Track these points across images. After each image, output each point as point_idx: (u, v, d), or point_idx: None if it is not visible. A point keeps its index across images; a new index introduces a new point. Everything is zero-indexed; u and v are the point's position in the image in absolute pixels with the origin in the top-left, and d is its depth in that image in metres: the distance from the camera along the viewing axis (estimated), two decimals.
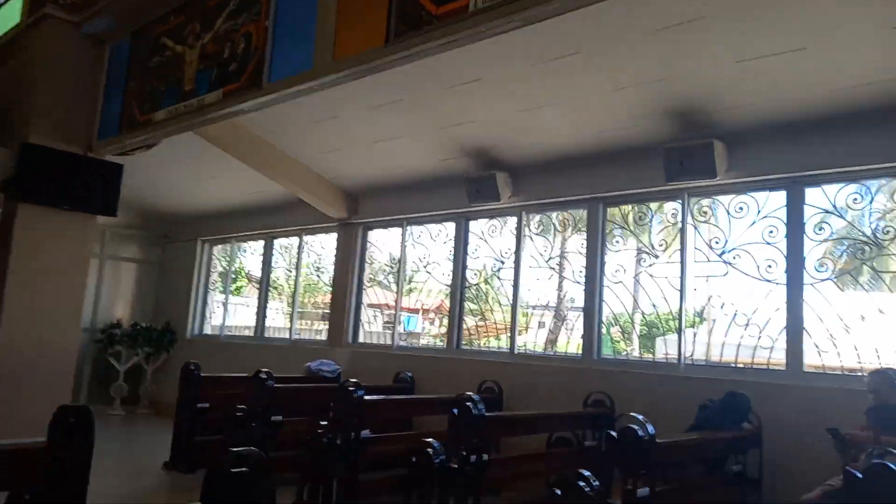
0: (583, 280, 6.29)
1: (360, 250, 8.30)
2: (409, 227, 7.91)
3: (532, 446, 5.49)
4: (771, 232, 5.28)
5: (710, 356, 5.71)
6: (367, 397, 5.07)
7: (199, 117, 4.86)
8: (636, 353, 6.68)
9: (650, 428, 3.65)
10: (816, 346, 5.02)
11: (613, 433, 3.72)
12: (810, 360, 5.00)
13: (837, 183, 5.05)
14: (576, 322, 6.45)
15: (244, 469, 2.10)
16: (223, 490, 2.08)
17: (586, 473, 3.84)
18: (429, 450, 4.45)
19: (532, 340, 6.92)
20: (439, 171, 7.10)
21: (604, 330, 6.28)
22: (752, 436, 4.80)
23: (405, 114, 6.30)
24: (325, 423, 5.14)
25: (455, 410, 4.37)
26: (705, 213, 5.68)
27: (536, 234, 6.85)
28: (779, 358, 5.15)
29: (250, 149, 7.33)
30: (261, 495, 2.08)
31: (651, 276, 5.93)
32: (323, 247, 9.03)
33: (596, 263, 6.19)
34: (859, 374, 4.79)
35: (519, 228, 6.85)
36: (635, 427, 3.65)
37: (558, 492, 3.89)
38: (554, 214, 6.78)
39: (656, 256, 5.91)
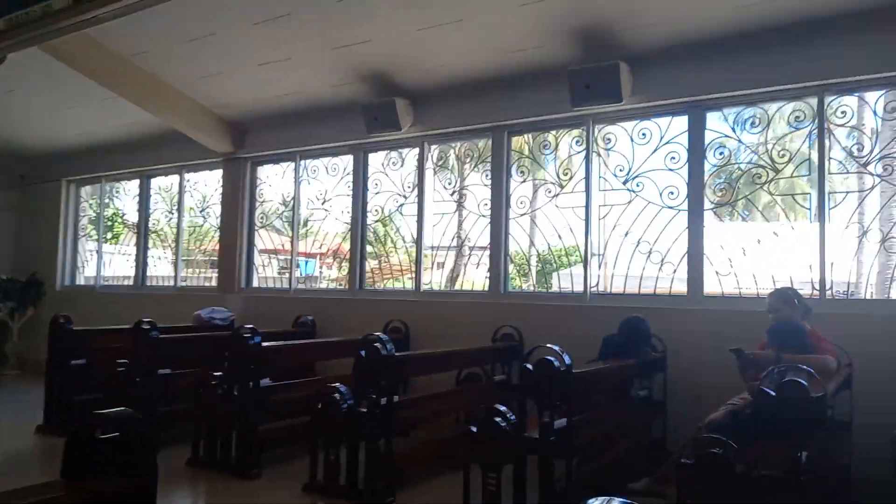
0: (488, 214, 6.10)
1: (250, 188, 7.68)
2: (302, 162, 7.37)
3: (442, 384, 5.36)
4: (673, 158, 5.26)
5: (614, 286, 5.74)
6: (264, 344, 4.68)
7: (46, 28, 4.11)
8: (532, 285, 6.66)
9: (567, 358, 3.54)
10: (717, 273, 5.12)
11: (528, 366, 3.59)
12: (710, 286, 5.10)
13: (737, 107, 5.07)
14: (481, 258, 6.30)
15: (115, 434, 1.73)
16: (90, 459, 1.70)
17: (502, 408, 3.73)
18: (335, 395, 4.19)
19: (434, 280, 6.70)
20: (334, 97, 6.58)
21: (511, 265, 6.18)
22: (657, 361, 4.88)
23: (293, 31, 5.69)
24: (219, 373, 4.72)
25: (362, 352, 4.10)
26: (609, 140, 5.58)
27: (438, 168, 6.56)
28: (681, 287, 5.22)
29: (116, 72, 6.44)
30: (135, 462, 1.73)
31: (557, 206, 5.82)
32: (207, 185, 8.29)
33: (501, 195, 6.00)
34: (757, 296, 4.94)
35: (421, 160, 6.52)
36: (551, 358, 3.53)
37: (474, 428, 3.77)
38: (455, 146, 6.49)
39: (561, 186, 5.79)
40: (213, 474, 4.56)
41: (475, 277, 6.45)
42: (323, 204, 7.28)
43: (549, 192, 5.86)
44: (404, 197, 6.71)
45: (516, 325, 5.66)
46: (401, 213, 6.77)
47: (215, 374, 4.72)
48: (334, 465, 4.13)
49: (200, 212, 8.40)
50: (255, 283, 7.67)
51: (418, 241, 6.51)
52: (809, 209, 4.75)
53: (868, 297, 4.66)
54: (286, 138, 7.19)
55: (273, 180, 7.73)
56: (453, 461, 4.19)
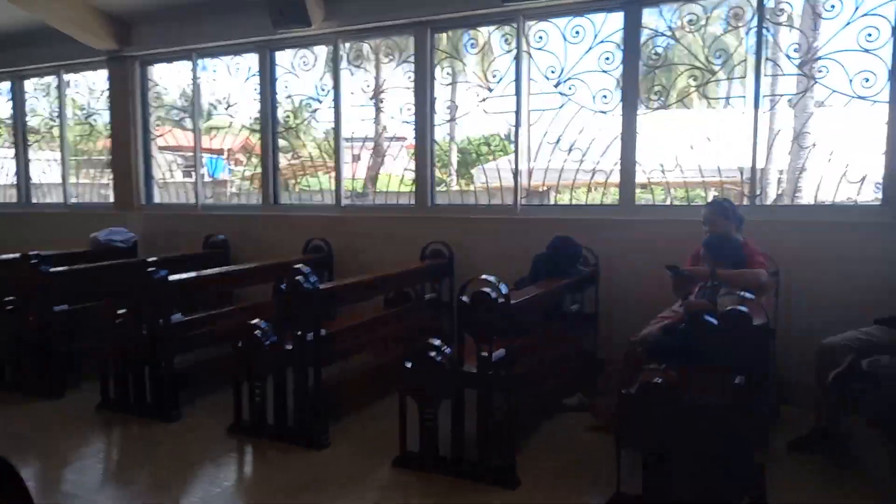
0: (411, 120, 5.66)
1: (141, 90, 6.84)
2: (200, 61, 6.57)
3: (370, 306, 5.11)
4: (607, 59, 4.95)
5: (546, 199, 5.56)
6: (171, 277, 4.25)
7: None
8: (454, 185, 6.43)
9: (503, 287, 3.34)
10: (649, 180, 5.00)
11: (465, 298, 3.38)
12: (643, 194, 4.99)
13: (672, 2, 4.75)
14: (397, 155, 5.94)
15: None
16: None
17: (436, 342, 3.55)
18: (256, 332, 3.88)
19: (349, 177, 6.28)
20: None
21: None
22: (589, 275, 4.80)
23: None
24: (122, 310, 4.29)
25: (283, 286, 3.76)
26: (541, 38, 5.17)
27: (355, 67, 5.98)
28: (613, 195, 5.09)
29: None
30: None
31: (485, 111, 5.45)
32: (92, 88, 7.33)
33: (425, 100, 5.55)
34: (688, 205, 4.87)
35: (335, 59, 5.91)
36: (487, 290, 3.32)
37: (409, 364, 3.59)
38: (375, 43, 5.90)
39: (489, 90, 5.40)
40: (127, 418, 4.24)
41: (396, 172, 6.10)
42: (227, 109, 6.59)
43: (478, 95, 5.46)
44: (318, 101, 6.14)
45: (445, 238, 5.43)
46: (315, 119, 6.22)
47: (119, 310, 4.28)
48: (261, 405, 3.90)
49: (87, 118, 7.48)
50: (158, 199, 7.02)
51: (336, 151, 6.02)
52: (743, 113, 4.60)
53: (792, 202, 4.69)
54: (179, 34, 6.34)
55: (167, 81, 6.90)
56: (389, 388, 4.04)
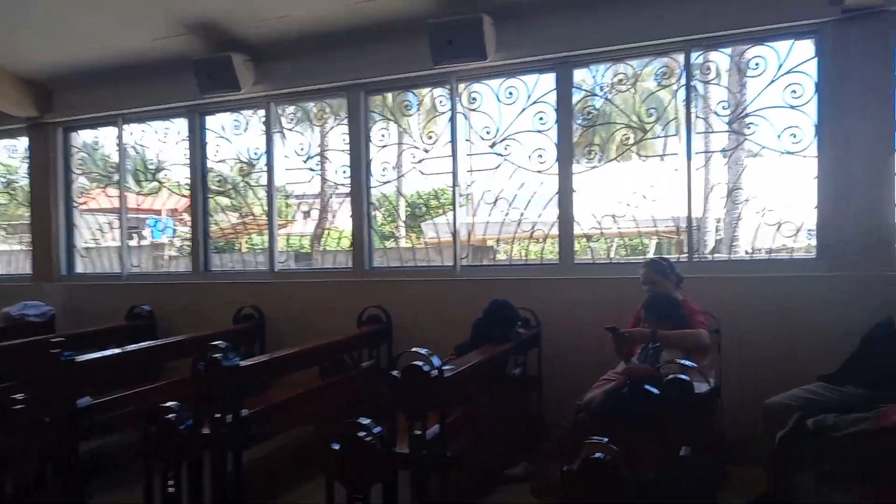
0: (347, 180, 5.51)
1: (64, 158, 6.53)
2: (126, 126, 6.33)
3: (303, 378, 4.81)
4: (541, 119, 4.93)
5: (485, 258, 5.45)
6: (79, 358, 3.90)
7: None
8: (402, 240, 6.29)
9: (436, 360, 3.13)
10: (586, 238, 4.93)
11: (396, 373, 3.15)
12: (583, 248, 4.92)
13: (605, 63, 4.79)
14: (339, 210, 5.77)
15: None
16: None
17: (366, 421, 3.29)
18: (170, 415, 3.54)
19: (299, 232, 6.07)
20: (157, 52, 5.60)
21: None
22: (531, 336, 4.64)
23: None
24: (21, 395, 3.88)
25: (200, 365, 3.46)
26: (475, 99, 5.14)
27: (289, 129, 5.84)
28: (552, 252, 4.99)
29: None
30: None
31: (421, 173, 5.35)
32: (12, 155, 6.99)
33: (360, 160, 5.42)
34: (627, 262, 4.81)
35: (268, 123, 5.76)
36: (420, 363, 3.11)
37: (336, 446, 3.31)
38: (310, 106, 5.79)
39: (426, 151, 5.31)
40: None
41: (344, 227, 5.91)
42: (156, 175, 6.34)
43: (414, 156, 5.36)
44: (251, 165, 5.96)
45: (383, 303, 5.21)
46: (249, 184, 6.02)
47: (16, 396, 3.87)
48: (175, 496, 3.51)
49: (6, 186, 7.10)
50: (80, 269, 6.62)
51: (269, 215, 5.81)
52: (677, 169, 4.61)
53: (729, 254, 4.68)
54: (104, 99, 6.11)
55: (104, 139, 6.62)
56: (319, 469, 3.72)
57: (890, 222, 4.00)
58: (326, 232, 6.48)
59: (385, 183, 5.45)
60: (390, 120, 5.52)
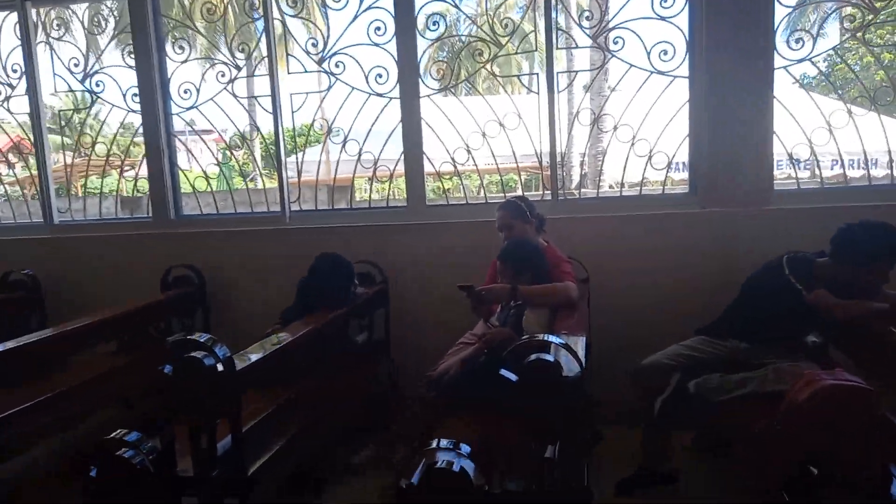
0: (138, 104, 4.34)
1: None
2: None
3: (96, 363, 3.76)
4: (378, 29, 4.02)
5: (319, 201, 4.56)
6: None
7: None
8: (259, 181, 5.26)
9: (220, 351, 2.27)
10: (438, 175, 4.18)
11: (167, 368, 2.27)
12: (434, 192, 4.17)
13: None
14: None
15: None
16: None
17: (132, 437, 2.41)
18: None
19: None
20: None
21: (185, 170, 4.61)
22: (377, 294, 3.90)
23: None
24: None
25: None
26: (295, 3, 4.12)
27: (57, 40, 4.49)
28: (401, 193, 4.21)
29: None
30: None
31: (234, 95, 4.29)
32: None
33: (152, 80, 4.26)
34: (485, 202, 4.13)
35: (25, 30, 4.39)
36: (200, 355, 2.24)
37: (94, 472, 2.42)
38: (79, 9, 4.47)
39: (237, 68, 4.24)
40: None
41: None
42: None
43: (223, 75, 4.27)
44: (10, 87, 4.57)
45: (195, 260, 4.23)
46: (6, 108, 4.64)
47: None
48: None
49: None
50: None
51: (40, 152, 4.52)
52: (537, 92, 3.93)
53: (597, 192, 4.14)
54: None
55: None
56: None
57: (768, 153, 3.58)
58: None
59: (189, 108, 4.33)
60: (190, 27, 4.36)
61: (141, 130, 4.39)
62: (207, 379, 2.23)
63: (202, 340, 2.26)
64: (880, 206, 3.39)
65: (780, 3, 3.56)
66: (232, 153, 4.78)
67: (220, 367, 2.25)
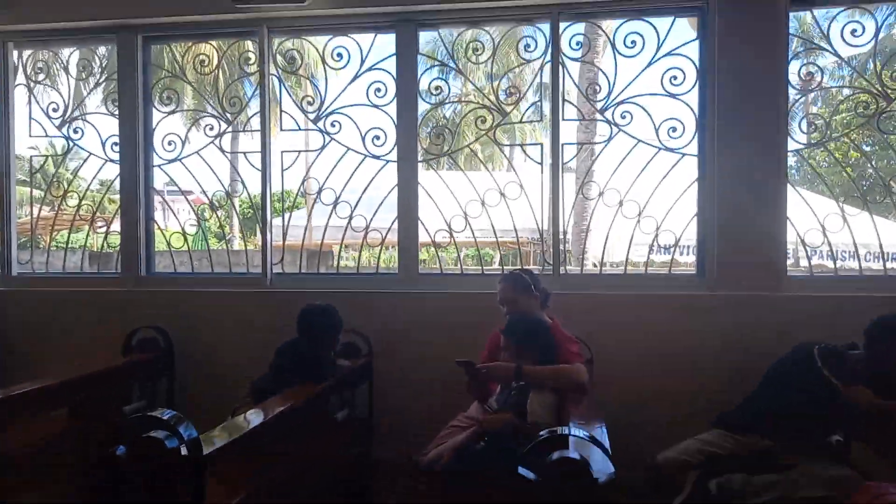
0: (117, 154, 4.10)
1: None
2: None
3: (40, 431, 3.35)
4: (378, 90, 3.88)
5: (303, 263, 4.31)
6: None
7: None
8: (236, 243, 4.98)
9: (185, 431, 1.94)
10: (434, 244, 3.96)
11: (121, 450, 1.93)
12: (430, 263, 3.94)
13: (456, 26, 3.88)
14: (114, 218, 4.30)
15: None
16: None
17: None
18: None
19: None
20: None
21: (163, 225, 4.33)
22: (361, 367, 3.58)
23: None
24: None
25: None
26: (293, 59, 3.99)
27: (36, 83, 4.28)
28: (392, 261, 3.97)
29: None
30: None
31: (222, 150, 4.08)
32: None
33: (135, 130, 4.04)
34: (481, 273, 3.90)
35: (3, 72, 4.17)
36: (160, 435, 1.90)
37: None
38: (65, 53, 4.29)
39: (228, 122, 4.05)
40: None
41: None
42: None
43: (212, 128, 4.07)
44: None
45: (164, 322, 3.88)
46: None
47: None
48: None
49: None
50: None
51: (4, 202, 4.22)
52: (541, 163, 3.79)
53: (600, 270, 3.94)
54: None
55: None
56: None
57: (780, 235, 3.44)
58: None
59: (172, 161, 4.09)
60: (181, 78, 4.19)
61: (118, 184, 4.12)
62: (169, 464, 1.89)
63: (165, 418, 1.93)
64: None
65: (793, 87, 3.50)
66: (215, 212, 4.53)
67: (184, 450, 1.91)
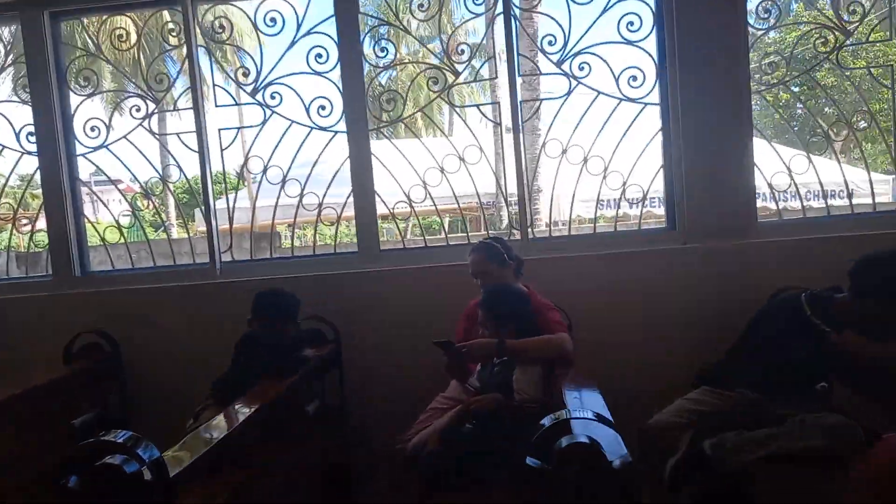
0: (34, 145, 3.70)
1: None
2: None
3: None
4: (319, 56, 3.59)
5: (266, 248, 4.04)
6: None
7: None
8: (174, 231, 4.61)
9: (146, 453, 1.71)
10: (393, 216, 3.75)
11: (72, 482, 1.70)
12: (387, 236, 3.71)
13: None
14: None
15: None
16: None
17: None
18: None
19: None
20: None
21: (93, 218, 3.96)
22: (329, 354, 3.38)
23: None
24: None
25: None
26: (223, 28, 3.63)
27: None
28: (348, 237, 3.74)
29: None
30: None
31: (151, 132, 3.73)
32: None
33: (52, 116, 3.64)
34: (446, 244, 3.71)
35: None
36: (117, 460, 1.67)
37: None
38: None
39: (156, 102, 3.69)
40: None
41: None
42: None
43: (138, 110, 3.70)
44: None
45: (107, 325, 3.58)
46: None
47: None
48: None
49: None
50: None
51: None
52: (499, 122, 3.58)
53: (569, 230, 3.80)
54: None
55: None
56: None
57: (750, 184, 3.36)
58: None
59: (97, 148, 3.72)
60: (98, 57, 3.79)
61: (38, 178, 3.74)
62: (131, 492, 1.66)
63: (119, 440, 1.70)
64: (866, 235, 3.21)
65: (752, 27, 3.39)
66: (151, 201, 4.17)
67: (147, 475, 1.69)
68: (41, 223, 3.91)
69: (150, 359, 3.58)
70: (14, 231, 4.17)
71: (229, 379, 2.92)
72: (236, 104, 3.62)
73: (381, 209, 3.68)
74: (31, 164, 3.75)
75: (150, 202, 4.49)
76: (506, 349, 2.58)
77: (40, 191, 3.78)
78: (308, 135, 3.63)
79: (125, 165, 3.76)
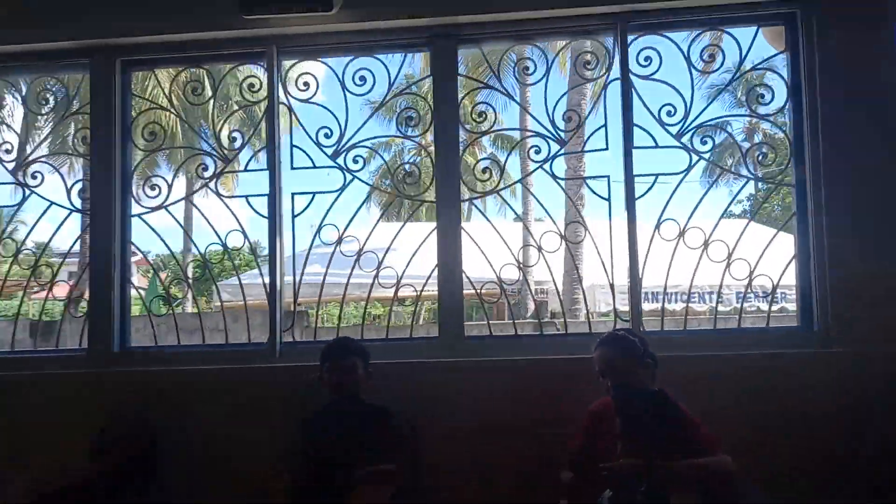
0: (85, 202, 3.34)
1: None
2: None
3: None
4: (410, 118, 3.25)
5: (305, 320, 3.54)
6: None
7: None
8: (189, 305, 4.18)
9: None
10: (480, 298, 3.27)
11: None
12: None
13: (501, 40, 3.33)
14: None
15: None
16: None
17: None
18: None
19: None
20: None
21: (138, 283, 3.53)
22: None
23: None
24: None
25: None
26: (307, 85, 3.31)
27: None
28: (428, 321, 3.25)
29: None
30: None
31: (217, 194, 3.36)
32: None
33: (112, 168, 3.28)
34: (544, 332, 3.21)
35: None
36: None
37: None
38: (23, 81, 3.56)
39: (226, 159, 3.34)
40: None
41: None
42: None
43: (205, 168, 3.34)
44: None
45: (146, 411, 3.06)
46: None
47: None
48: None
49: None
50: None
51: None
52: (608, 200, 3.16)
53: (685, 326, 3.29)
54: None
55: None
56: None
57: None
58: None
59: (156, 209, 3.34)
60: (167, 110, 3.49)
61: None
62: None
63: None
64: None
65: None
66: (185, 275, 3.75)
67: None
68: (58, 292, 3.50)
69: (192, 451, 3.03)
70: (25, 298, 3.69)
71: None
72: (314, 167, 3.25)
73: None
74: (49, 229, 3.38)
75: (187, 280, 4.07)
76: (659, 471, 2.03)
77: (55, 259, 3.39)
78: (391, 203, 3.25)
79: (184, 229, 3.36)
